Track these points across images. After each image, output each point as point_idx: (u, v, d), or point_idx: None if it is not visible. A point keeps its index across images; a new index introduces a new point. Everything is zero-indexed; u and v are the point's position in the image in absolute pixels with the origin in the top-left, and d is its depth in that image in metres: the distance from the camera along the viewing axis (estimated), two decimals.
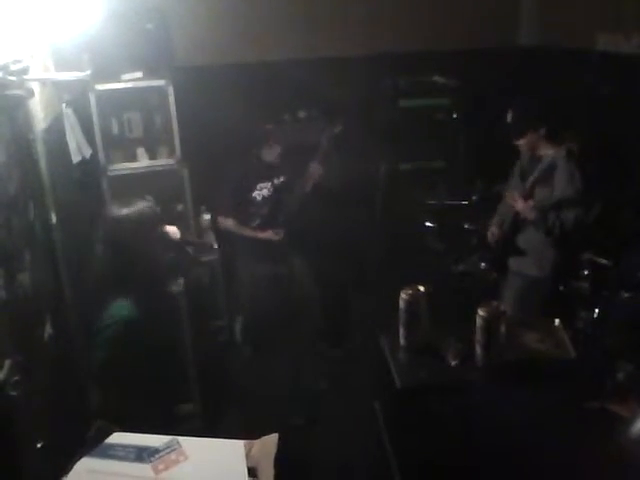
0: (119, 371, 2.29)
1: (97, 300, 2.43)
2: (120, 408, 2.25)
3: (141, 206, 2.50)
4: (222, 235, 4.30)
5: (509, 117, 3.55)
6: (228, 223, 4.17)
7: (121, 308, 2.36)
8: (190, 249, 2.93)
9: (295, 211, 4.21)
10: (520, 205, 3.48)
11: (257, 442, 1.78)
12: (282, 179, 4.21)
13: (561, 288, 3.75)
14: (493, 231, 3.82)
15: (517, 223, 3.63)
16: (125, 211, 2.46)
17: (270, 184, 4.19)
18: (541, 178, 3.41)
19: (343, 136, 4.16)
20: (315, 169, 4.15)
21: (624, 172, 3.84)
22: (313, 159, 4.16)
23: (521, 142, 3.55)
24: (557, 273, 3.61)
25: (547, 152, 3.49)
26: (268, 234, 4.15)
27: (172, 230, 2.70)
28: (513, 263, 3.71)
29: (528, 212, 3.47)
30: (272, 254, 4.18)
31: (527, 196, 3.47)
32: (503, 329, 2.58)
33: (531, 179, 3.47)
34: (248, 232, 4.17)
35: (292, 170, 4.22)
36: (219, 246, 4.31)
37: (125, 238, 2.41)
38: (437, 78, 4.91)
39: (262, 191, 4.18)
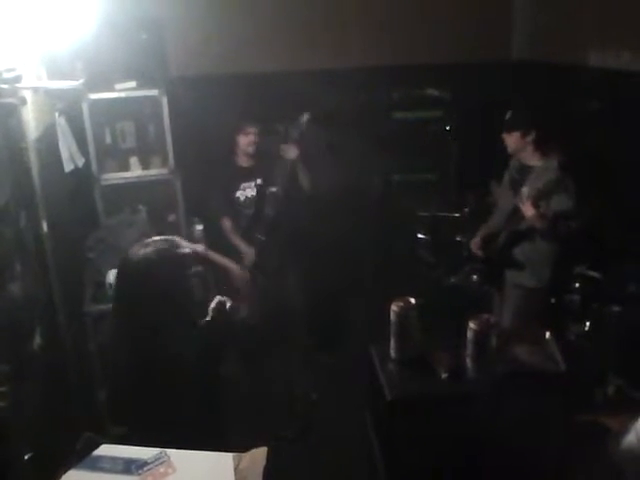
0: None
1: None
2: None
3: (159, 245, 2.18)
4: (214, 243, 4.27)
5: (507, 115, 3.58)
6: (227, 225, 4.09)
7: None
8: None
9: (277, 214, 4.13)
10: (530, 212, 3.34)
11: (246, 455, 1.77)
12: (264, 180, 4.18)
13: (553, 300, 3.77)
14: (476, 241, 3.82)
15: (513, 235, 3.58)
16: (142, 252, 2.13)
17: (253, 184, 4.17)
18: (542, 190, 3.31)
19: (312, 126, 4.04)
20: (288, 150, 4.02)
21: (613, 186, 3.87)
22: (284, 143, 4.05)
23: (509, 139, 3.52)
24: (555, 282, 3.61)
25: (537, 163, 3.50)
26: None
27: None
28: (511, 275, 3.67)
29: (538, 220, 3.36)
30: (262, 263, 4.16)
31: (533, 205, 3.34)
32: (493, 342, 2.59)
33: (534, 190, 3.35)
34: (237, 241, 4.11)
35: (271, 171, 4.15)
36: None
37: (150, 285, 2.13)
38: (430, 91, 4.93)
39: (246, 191, 4.16)
